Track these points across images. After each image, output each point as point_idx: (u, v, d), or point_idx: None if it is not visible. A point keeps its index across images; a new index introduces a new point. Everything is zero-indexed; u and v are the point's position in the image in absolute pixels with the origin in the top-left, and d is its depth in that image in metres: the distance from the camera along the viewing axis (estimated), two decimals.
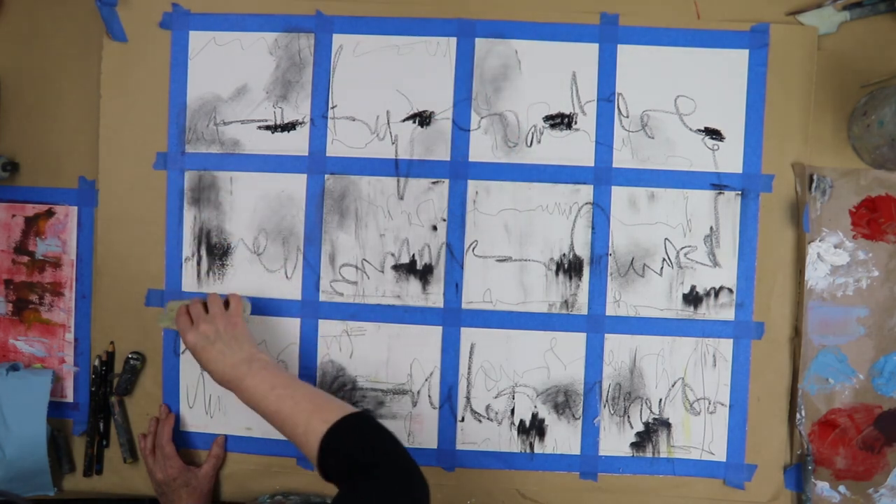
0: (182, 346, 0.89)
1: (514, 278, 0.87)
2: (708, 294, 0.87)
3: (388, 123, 0.88)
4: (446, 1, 0.87)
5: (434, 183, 0.87)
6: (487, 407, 0.88)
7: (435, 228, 0.88)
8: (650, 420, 0.87)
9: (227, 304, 0.83)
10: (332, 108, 0.88)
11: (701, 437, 0.87)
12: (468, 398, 0.88)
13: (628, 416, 0.87)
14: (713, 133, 0.86)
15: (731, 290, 0.87)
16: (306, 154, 0.88)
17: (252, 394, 0.74)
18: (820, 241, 0.86)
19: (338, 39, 0.88)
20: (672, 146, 0.87)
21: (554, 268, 0.87)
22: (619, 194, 0.87)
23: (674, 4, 0.87)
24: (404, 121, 0.88)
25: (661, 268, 0.87)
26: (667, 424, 0.87)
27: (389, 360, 0.88)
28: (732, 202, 0.86)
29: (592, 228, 0.87)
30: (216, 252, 0.89)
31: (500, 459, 0.88)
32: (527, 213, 0.87)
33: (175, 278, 0.89)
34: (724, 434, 0.87)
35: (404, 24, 0.87)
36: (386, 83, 0.88)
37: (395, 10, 0.87)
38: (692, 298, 0.87)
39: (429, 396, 0.88)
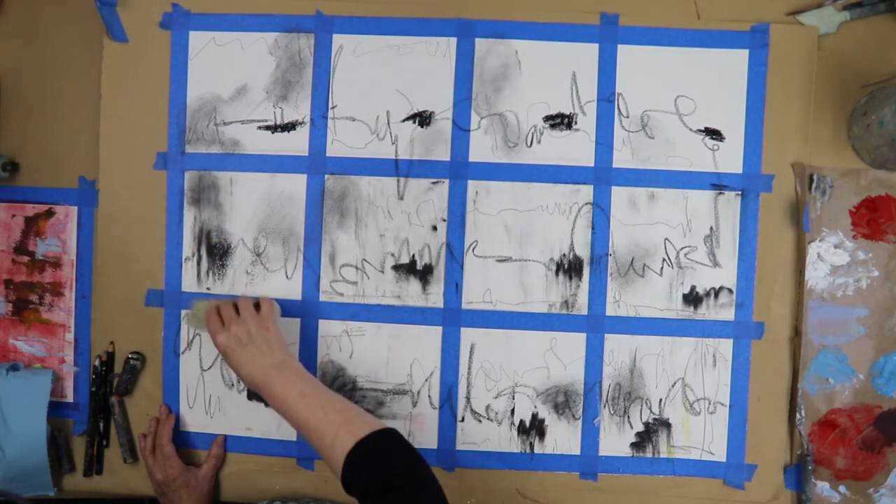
0: (182, 347, 0.89)
1: (514, 278, 0.87)
2: (708, 294, 0.87)
3: (388, 123, 0.88)
4: (446, 1, 0.87)
5: (434, 183, 0.88)
6: (487, 407, 0.88)
7: (435, 228, 0.88)
8: (650, 420, 0.87)
9: (257, 306, 0.83)
10: (332, 108, 0.88)
11: (701, 437, 0.87)
12: (468, 398, 0.88)
13: (628, 417, 0.87)
14: (713, 133, 0.86)
15: (731, 290, 0.87)
16: (306, 154, 0.88)
17: (282, 400, 0.73)
18: (820, 241, 0.86)
19: (338, 39, 0.88)
20: (672, 146, 0.87)
21: (554, 268, 0.87)
22: (619, 194, 0.87)
23: (674, 4, 0.87)
24: (404, 121, 0.88)
25: (661, 268, 0.87)
26: (667, 424, 0.87)
27: (389, 360, 0.88)
28: (732, 202, 0.86)
29: (592, 228, 0.87)
30: (216, 252, 0.89)
31: (500, 459, 0.88)
32: (527, 213, 0.87)
33: (175, 278, 0.89)
34: (724, 434, 0.87)
35: (404, 24, 0.87)
36: (386, 83, 0.88)
37: (395, 10, 0.87)
38: (692, 298, 0.87)
39: (429, 396, 0.88)
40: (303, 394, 0.73)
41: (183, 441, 0.89)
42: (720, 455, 0.87)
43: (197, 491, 0.85)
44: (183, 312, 0.88)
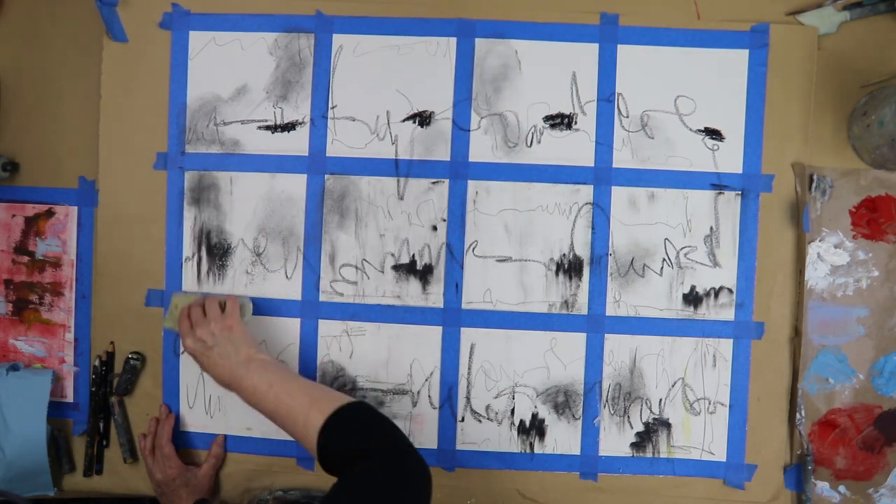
0: (182, 347, 0.89)
1: (514, 278, 0.87)
2: (708, 294, 0.87)
3: (388, 123, 0.88)
4: (446, 1, 0.87)
5: (434, 183, 0.87)
6: (487, 407, 0.88)
7: (435, 228, 0.88)
8: (650, 420, 0.87)
9: (224, 306, 0.83)
10: (332, 108, 0.88)
11: (701, 437, 0.87)
12: (468, 398, 0.88)
13: (628, 417, 0.87)
14: (713, 133, 0.86)
15: (731, 290, 0.87)
16: (306, 154, 0.88)
17: (251, 395, 0.75)
18: (820, 241, 0.86)
19: (338, 39, 0.88)
20: (672, 146, 0.87)
21: (554, 268, 0.87)
22: (619, 194, 0.87)
23: (674, 4, 0.86)
24: (404, 121, 0.88)
25: (661, 268, 0.87)
26: (667, 424, 0.87)
27: (389, 360, 0.88)
28: (732, 202, 0.86)
29: (592, 228, 0.87)
30: (216, 252, 0.89)
31: (500, 459, 0.88)
32: (527, 213, 0.87)
33: (175, 278, 0.89)
34: (724, 434, 0.87)
35: (404, 24, 0.87)
36: (386, 83, 0.88)
37: (395, 10, 0.87)
38: (692, 298, 0.87)
39: (429, 396, 0.88)
40: (270, 384, 0.74)
41: (183, 441, 0.89)
42: (720, 455, 0.87)
43: (197, 490, 0.85)
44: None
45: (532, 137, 0.87)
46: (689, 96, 0.86)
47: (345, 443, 0.67)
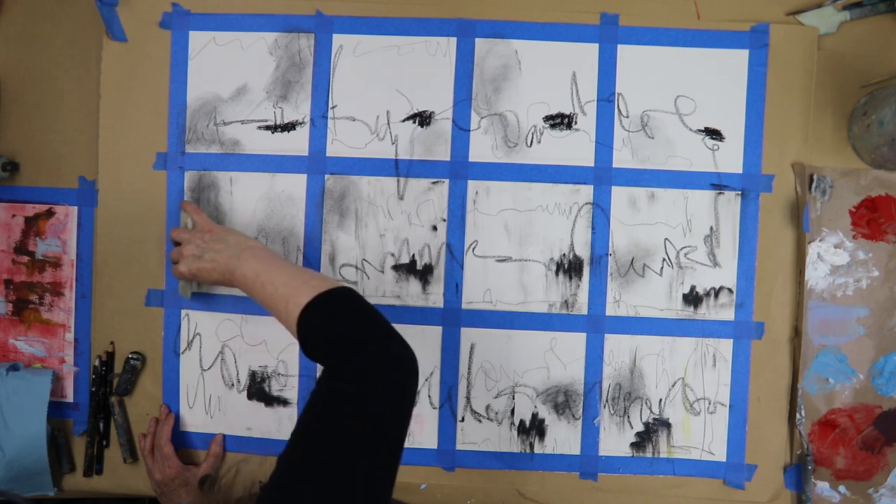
0: (182, 347, 0.89)
1: (514, 278, 0.87)
2: (708, 294, 0.87)
3: (388, 123, 0.88)
4: (446, 1, 0.87)
5: (434, 183, 0.87)
6: (487, 407, 0.88)
7: (435, 228, 0.88)
8: (650, 420, 0.87)
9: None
10: (332, 108, 0.88)
11: (701, 437, 0.87)
12: (468, 398, 0.88)
13: (628, 416, 0.87)
14: (713, 133, 0.86)
15: (731, 291, 0.87)
16: (306, 154, 0.88)
17: (242, 285, 0.74)
18: (820, 241, 0.86)
19: (338, 39, 0.88)
20: (672, 146, 0.87)
21: (554, 268, 0.87)
22: (619, 194, 0.87)
23: (674, 4, 0.87)
24: (404, 121, 0.88)
25: (661, 268, 0.87)
26: (667, 424, 0.87)
27: None
28: (732, 202, 0.86)
29: (592, 228, 0.87)
30: None
31: (500, 459, 0.88)
32: (527, 213, 0.87)
33: (175, 279, 0.88)
34: (724, 434, 0.87)
35: (404, 24, 0.87)
36: (386, 83, 0.87)
37: (395, 10, 0.87)
38: (692, 298, 0.87)
39: (429, 396, 0.88)
40: (257, 273, 0.73)
41: (183, 441, 0.89)
42: (720, 455, 0.87)
43: (195, 490, 0.85)
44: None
45: (532, 137, 0.87)
46: (689, 96, 0.86)
47: (326, 330, 0.64)
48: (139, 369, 0.89)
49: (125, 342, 0.89)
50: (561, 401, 0.87)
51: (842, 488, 0.87)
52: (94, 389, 0.89)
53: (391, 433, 0.58)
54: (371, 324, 0.65)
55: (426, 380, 0.88)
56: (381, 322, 0.65)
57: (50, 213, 0.90)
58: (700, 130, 0.87)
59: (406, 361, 0.62)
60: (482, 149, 0.87)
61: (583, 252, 0.87)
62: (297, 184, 0.88)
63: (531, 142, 0.87)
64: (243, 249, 0.76)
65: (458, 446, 0.88)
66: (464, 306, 0.87)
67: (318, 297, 0.66)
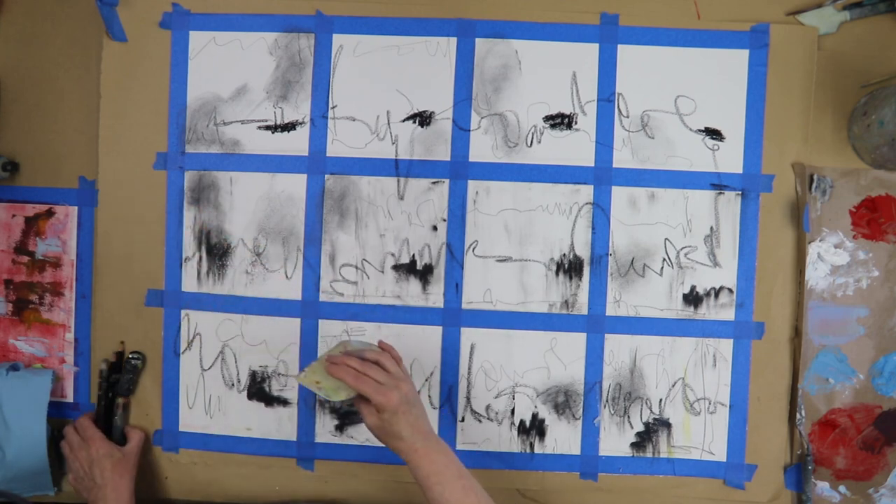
0: (182, 347, 0.89)
1: (514, 278, 0.87)
2: (708, 294, 0.87)
3: (388, 123, 0.88)
4: (446, 1, 0.87)
5: (434, 183, 0.87)
6: (487, 407, 0.88)
7: (435, 228, 0.88)
8: (650, 420, 0.87)
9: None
10: (332, 108, 0.88)
11: (701, 437, 0.87)
12: (468, 398, 0.88)
13: (628, 416, 0.87)
14: (713, 133, 0.86)
15: (731, 290, 0.87)
16: (306, 154, 0.88)
17: (436, 472, 0.70)
18: (820, 241, 0.86)
19: (338, 39, 0.88)
20: (672, 146, 0.87)
21: (554, 268, 0.87)
22: (619, 194, 0.87)
23: (674, 4, 0.86)
24: (404, 121, 0.88)
25: (662, 268, 0.87)
26: (667, 424, 0.87)
27: None
28: (732, 202, 0.86)
29: (592, 228, 0.87)
30: (216, 252, 0.89)
31: (500, 459, 0.88)
32: (527, 213, 0.87)
33: (175, 278, 0.89)
34: (724, 434, 0.87)
35: (404, 24, 0.87)
36: (386, 83, 0.87)
37: (395, 10, 0.87)
38: (692, 298, 0.87)
39: (429, 396, 0.88)
40: (460, 474, 0.70)
41: (182, 441, 0.89)
42: (720, 455, 0.87)
43: (121, 464, 0.83)
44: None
45: (532, 137, 0.87)
46: (689, 96, 0.86)
47: None
48: (140, 369, 0.89)
49: (125, 342, 0.89)
50: (561, 401, 0.88)
51: (842, 488, 0.87)
52: (101, 393, 0.88)
53: None
54: None
55: (426, 380, 0.88)
56: None
57: (50, 213, 0.90)
58: (700, 130, 0.87)
59: None
60: (482, 149, 0.87)
61: (583, 252, 0.87)
62: (297, 184, 0.88)
63: (531, 142, 0.87)
64: (431, 433, 0.73)
65: (459, 446, 0.88)
66: (464, 306, 0.87)
67: None
